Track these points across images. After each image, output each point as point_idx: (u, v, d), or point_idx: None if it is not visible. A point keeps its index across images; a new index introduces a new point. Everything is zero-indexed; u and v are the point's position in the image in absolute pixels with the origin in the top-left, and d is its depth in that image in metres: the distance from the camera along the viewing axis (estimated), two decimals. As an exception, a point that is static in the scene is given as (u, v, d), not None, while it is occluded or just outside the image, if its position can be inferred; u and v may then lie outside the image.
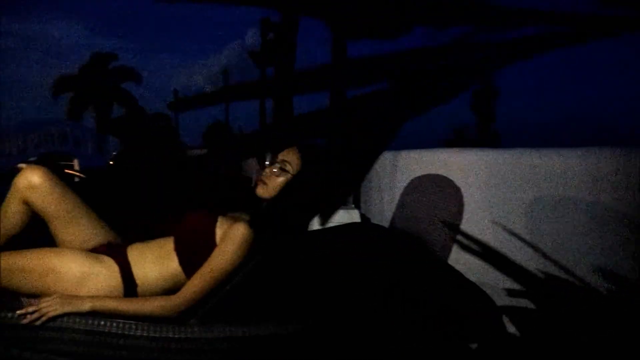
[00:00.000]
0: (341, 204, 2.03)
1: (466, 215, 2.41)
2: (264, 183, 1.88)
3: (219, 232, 1.80)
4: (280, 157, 1.90)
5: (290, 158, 1.89)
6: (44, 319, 1.63)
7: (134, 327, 1.64)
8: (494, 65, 0.51)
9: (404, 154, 3.58)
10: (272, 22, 16.97)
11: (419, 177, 3.11)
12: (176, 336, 1.63)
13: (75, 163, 29.58)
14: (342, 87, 0.57)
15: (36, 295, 1.74)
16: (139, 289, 1.78)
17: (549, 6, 0.50)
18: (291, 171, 1.87)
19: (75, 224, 1.94)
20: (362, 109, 0.56)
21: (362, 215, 4.12)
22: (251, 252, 1.72)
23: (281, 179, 1.87)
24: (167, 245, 1.85)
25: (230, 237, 1.72)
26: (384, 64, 0.57)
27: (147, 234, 2.06)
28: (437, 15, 0.58)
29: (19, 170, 1.97)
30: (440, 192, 2.59)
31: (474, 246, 2.42)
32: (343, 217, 3.68)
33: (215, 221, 1.84)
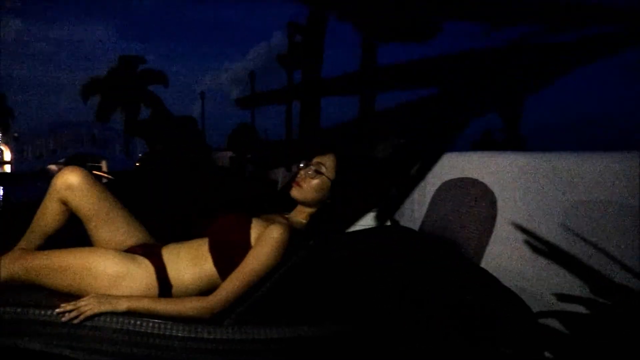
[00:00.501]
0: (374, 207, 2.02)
1: (499, 219, 2.38)
2: (299, 185, 1.89)
3: (253, 233, 1.80)
4: (316, 159, 1.90)
5: (325, 160, 1.89)
6: (81, 317, 1.65)
7: (169, 327, 1.65)
8: (560, 69, 0.49)
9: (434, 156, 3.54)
10: (299, 25, 17.04)
11: (450, 181, 3.09)
12: (211, 337, 1.64)
13: (103, 164, 30.04)
14: (378, 92, 0.56)
15: (73, 294, 1.77)
16: (173, 290, 1.80)
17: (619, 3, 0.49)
18: (326, 173, 1.88)
19: (112, 225, 1.97)
20: (415, 115, 0.55)
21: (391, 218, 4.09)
22: (286, 254, 1.72)
23: (316, 181, 1.88)
24: (201, 247, 1.86)
25: (266, 239, 1.73)
26: (433, 67, 0.56)
27: (178, 235, 2.08)
28: (495, 14, 0.56)
29: (48, 171, 2.01)
30: (472, 195, 2.57)
31: (508, 251, 2.39)
32: (372, 219, 3.65)
33: (250, 223, 1.84)
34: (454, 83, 0.54)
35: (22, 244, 1.98)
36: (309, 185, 1.89)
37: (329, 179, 1.89)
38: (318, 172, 1.88)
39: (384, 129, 1.77)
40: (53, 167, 33.63)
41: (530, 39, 0.51)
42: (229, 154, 28.63)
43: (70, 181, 1.93)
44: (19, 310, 1.69)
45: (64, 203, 1.95)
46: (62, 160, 32.45)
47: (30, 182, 22.78)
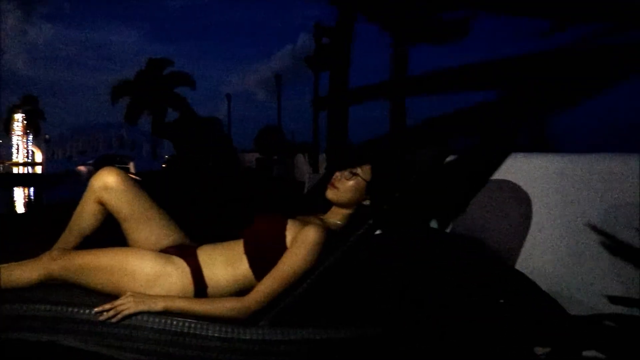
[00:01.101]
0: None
1: (535, 222, 2.36)
2: (335, 187, 1.89)
3: (289, 235, 1.80)
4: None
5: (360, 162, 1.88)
6: (119, 316, 1.67)
7: (205, 327, 1.66)
8: (626, 71, 0.48)
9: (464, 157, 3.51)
10: (325, 27, 17.03)
11: (481, 181, 3.06)
12: (247, 337, 1.64)
13: (131, 166, 30.41)
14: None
15: (110, 293, 1.79)
16: (209, 291, 1.81)
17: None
18: (361, 174, 1.87)
19: (148, 225, 1.99)
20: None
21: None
22: (322, 255, 1.72)
23: (351, 183, 1.88)
24: (237, 248, 1.87)
25: (302, 241, 1.73)
26: (494, 70, 0.54)
27: (206, 235, 2.09)
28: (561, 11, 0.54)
29: (78, 172, 2.03)
30: (508, 197, 2.54)
31: (545, 254, 2.35)
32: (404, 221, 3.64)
33: (285, 224, 1.84)
34: (515, 86, 0.52)
35: (60, 243, 2.01)
36: (344, 186, 1.88)
37: (364, 180, 1.88)
38: (353, 174, 1.88)
39: (428, 135, 1.76)
40: (82, 168, 34.21)
41: (594, 40, 0.50)
42: (256, 155, 28.83)
43: (107, 182, 1.95)
44: (58, 308, 1.71)
45: (101, 204, 1.97)
46: (90, 162, 33.01)
47: (61, 183, 23.21)
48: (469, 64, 0.48)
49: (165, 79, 38.91)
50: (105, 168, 2.02)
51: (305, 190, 9.83)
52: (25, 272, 1.87)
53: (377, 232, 1.92)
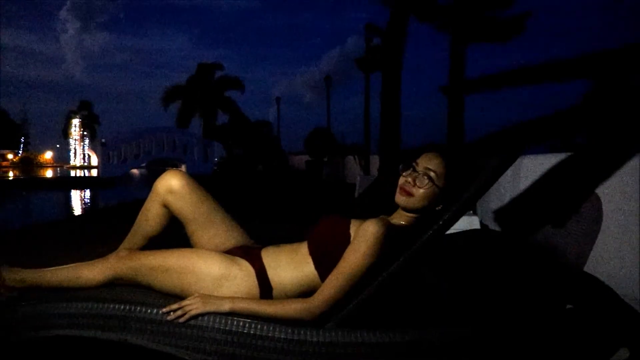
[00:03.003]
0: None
1: (605, 223, 2.27)
2: (408, 193, 1.83)
3: (352, 234, 1.78)
4: (422, 163, 1.84)
5: (435, 167, 1.82)
6: (186, 316, 1.68)
7: (271, 328, 1.65)
8: None
9: (527, 159, 3.42)
10: (377, 27, 16.94)
11: (546, 183, 2.97)
12: (314, 339, 1.63)
13: (183, 168, 30.89)
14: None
15: (175, 294, 1.80)
16: (274, 292, 1.80)
17: None
18: (436, 181, 1.81)
19: (212, 227, 2.00)
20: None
21: (480, 222, 3.99)
22: (384, 250, 1.68)
23: (425, 190, 1.81)
24: (301, 249, 1.86)
25: (362, 235, 1.69)
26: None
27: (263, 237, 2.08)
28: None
29: (131, 175, 2.06)
30: (573, 198, 2.46)
31: (616, 256, 2.26)
32: (462, 223, 3.57)
33: (349, 224, 1.82)
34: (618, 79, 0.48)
35: (126, 244, 2.05)
36: (418, 193, 1.81)
37: (438, 187, 1.81)
38: (429, 180, 1.81)
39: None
40: (135, 171, 35.00)
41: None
42: (305, 157, 28.89)
43: (171, 185, 1.97)
44: (127, 307, 1.74)
45: (166, 206, 2.00)
46: (143, 165, 33.76)
47: (115, 186, 23.81)
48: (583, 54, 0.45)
49: (215, 83, 39.45)
50: (169, 171, 2.04)
51: (356, 192, 9.79)
52: (93, 272, 1.90)
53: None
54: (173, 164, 35.84)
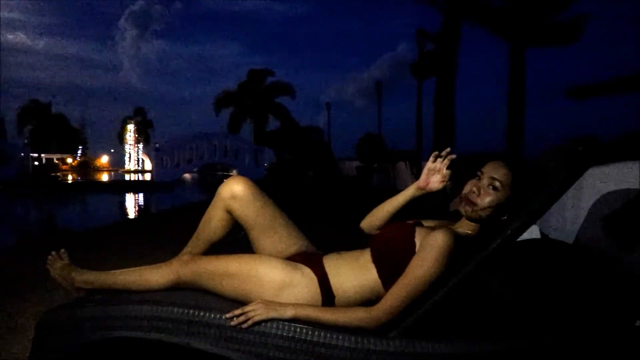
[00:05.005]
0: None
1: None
2: (472, 202, 1.79)
3: (417, 241, 1.75)
4: (487, 173, 1.80)
5: (500, 175, 1.78)
6: (249, 322, 1.67)
7: (335, 336, 1.63)
8: None
9: (591, 168, 3.31)
10: (429, 33, 16.79)
11: (611, 193, 2.88)
12: (377, 349, 1.61)
13: (234, 173, 31.29)
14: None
15: (236, 299, 1.81)
16: (336, 300, 1.79)
17: None
18: (501, 189, 1.76)
19: (274, 233, 2.00)
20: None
21: (540, 231, 3.89)
22: (451, 261, 1.65)
23: (490, 199, 1.77)
24: (364, 257, 1.84)
25: (429, 245, 1.66)
26: None
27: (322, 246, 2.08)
28: None
29: (184, 180, 2.08)
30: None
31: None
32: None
33: (414, 231, 1.80)
34: None
35: (189, 249, 2.07)
36: (483, 202, 1.77)
37: (503, 197, 1.76)
38: (494, 189, 1.77)
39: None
40: (187, 175, 35.67)
41: None
42: (356, 163, 28.90)
43: (235, 191, 1.98)
44: (191, 312, 1.75)
45: (229, 212, 2.01)
46: (195, 170, 34.38)
47: (169, 190, 24.31)
48: None
49: (266, 89, 39.94)
50: (233, 177, 2.06)
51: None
52: (157, 276, 1.93)
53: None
54: (224, 169, 36.40)
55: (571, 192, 3.53)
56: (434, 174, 2.02)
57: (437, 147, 12.06)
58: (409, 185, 2.07)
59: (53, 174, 36.27)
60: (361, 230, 2.17)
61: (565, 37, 15.14)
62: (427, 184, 2.03)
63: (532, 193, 1.70)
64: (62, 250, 2.14)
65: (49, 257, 2.11)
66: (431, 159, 2.04)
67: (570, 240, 3.32)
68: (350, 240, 2.07)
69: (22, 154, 33.76)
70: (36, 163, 41.21)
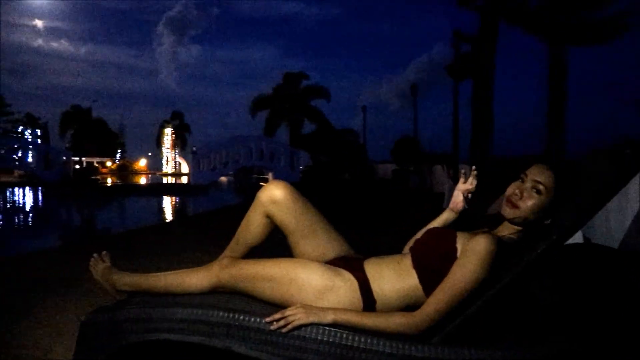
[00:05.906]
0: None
1: None
2: (515, 205, 1.77)
3: (459, 247, 1.73)
4: (531, 176, 1.78)
5: (543, 178, 1.75)
6: (289, 326, 1.66)
7: (375, 342, 1.61)
8: None
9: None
10: (465, 34, 16.58)
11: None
12: (419, 355, 1.58)
13: (270, 176, 31.50)
14: None
15: (276, 303, 1.80)
16: (377, 305, 1.77)
17: None
18: (544, 192, 1.74)
19: (314, 238, 2.00)
20: None
21: (583, 236, 3.80)
22: (494, 267, 1.62)
23: (533, 202, 1.74)
24: (404, 262, 1.82)
25: (472, 250, 1.64)
26: None
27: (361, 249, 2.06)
28: None
29: (220, 183, 2.09)
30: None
31: None
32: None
33: (455, 236, 1.77)
34: None
35: (228, 252, 2.08)
36: (526, 205, 1.75)
37: (547, 200, 1.74)
38: (537, 192, 1.74)
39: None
40: (223, 179, 35.97)
41: None
42: (392, 166, 28.76)
43: (275, 196, 1.98)
44: (231, 315, 1.75)
45: (268, 216, 2.01)
46: (231, 173, 34.66)
47: (205, 193, 24.59)
48: None
49: (302, 92, 40.07)
50: (272, 181, 2.06)
51: (445, 202, 9.58)
52: (197, 279, 1.94)
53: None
54: (260, 172, 36.62)
55: (616, 196, 3.44)
56: (459, 194, 2.06)
57: (474, 149, 11.92)
58: (445, 188, 2.07)
59: (93, 177, 37.04)
60: (400, 234, 2.15)
61: (607, 34, 14.72)
62: (456, 205, 2.07)
63: (577, 197, 1.67)
64: (104, 252, 2.17)
65: (91, 259, 2.14)
66: (461, 179, 2.08)
67: (615, 245, 3.24)
68: (389, 243, 2.05)
69: (65, 158, 34.54)
70: (77, 166, 42.16)
